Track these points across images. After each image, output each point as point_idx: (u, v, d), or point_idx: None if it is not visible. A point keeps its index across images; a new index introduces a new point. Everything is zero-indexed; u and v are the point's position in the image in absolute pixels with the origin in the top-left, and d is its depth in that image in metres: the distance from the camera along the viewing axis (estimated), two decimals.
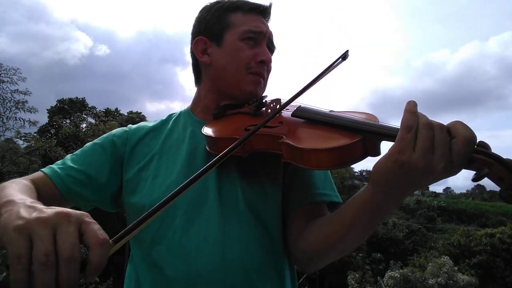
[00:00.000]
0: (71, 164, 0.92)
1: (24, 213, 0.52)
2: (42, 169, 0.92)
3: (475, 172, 0.62)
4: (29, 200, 0.58)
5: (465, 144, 0.59)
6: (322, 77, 0.89)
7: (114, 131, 1.03)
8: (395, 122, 0.84)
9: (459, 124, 0.61)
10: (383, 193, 0.67)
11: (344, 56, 0.93)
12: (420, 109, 0.65)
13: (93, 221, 0.51)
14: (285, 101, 0.86)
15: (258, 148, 0.84)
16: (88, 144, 0.99)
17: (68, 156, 0.97)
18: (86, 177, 0.91)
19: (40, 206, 0.54)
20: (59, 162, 0.95)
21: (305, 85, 0.87)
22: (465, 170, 0.63)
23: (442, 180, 0.67)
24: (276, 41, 1.03)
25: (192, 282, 0.81)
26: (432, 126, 0.61)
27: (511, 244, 19.12)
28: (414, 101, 0.65)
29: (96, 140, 1.00)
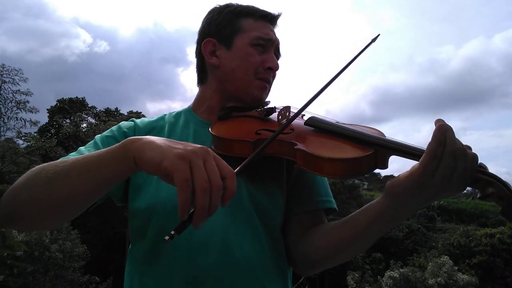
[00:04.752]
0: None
1: (175, 144, 0.61)
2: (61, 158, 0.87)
3: (479, 191, 0.67)
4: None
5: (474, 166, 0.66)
6: (348, 66, 0.92)
7: (121, 123, 1.02)
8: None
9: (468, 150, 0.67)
10: (399, 207, 0.73)
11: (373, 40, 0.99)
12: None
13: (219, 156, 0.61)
14: (297, 109, 0.85)
15: (271, 152, 0.84)
16: (97, 137, 0.97)
17: (82, 147, 0.92)
18: None
19: (178, 141, 0.64)
20: (73, 153, 0.89)
21: (333, 76, 0.89)
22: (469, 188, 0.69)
23: None
24: (282, 48, 1.05)
25: (199, 278, 0.80)
26: (455, 157, 0.64)
27: (511, 244, 19.08)
28: (445, 125, 0.66)
29: (105, 133, 0.98)
